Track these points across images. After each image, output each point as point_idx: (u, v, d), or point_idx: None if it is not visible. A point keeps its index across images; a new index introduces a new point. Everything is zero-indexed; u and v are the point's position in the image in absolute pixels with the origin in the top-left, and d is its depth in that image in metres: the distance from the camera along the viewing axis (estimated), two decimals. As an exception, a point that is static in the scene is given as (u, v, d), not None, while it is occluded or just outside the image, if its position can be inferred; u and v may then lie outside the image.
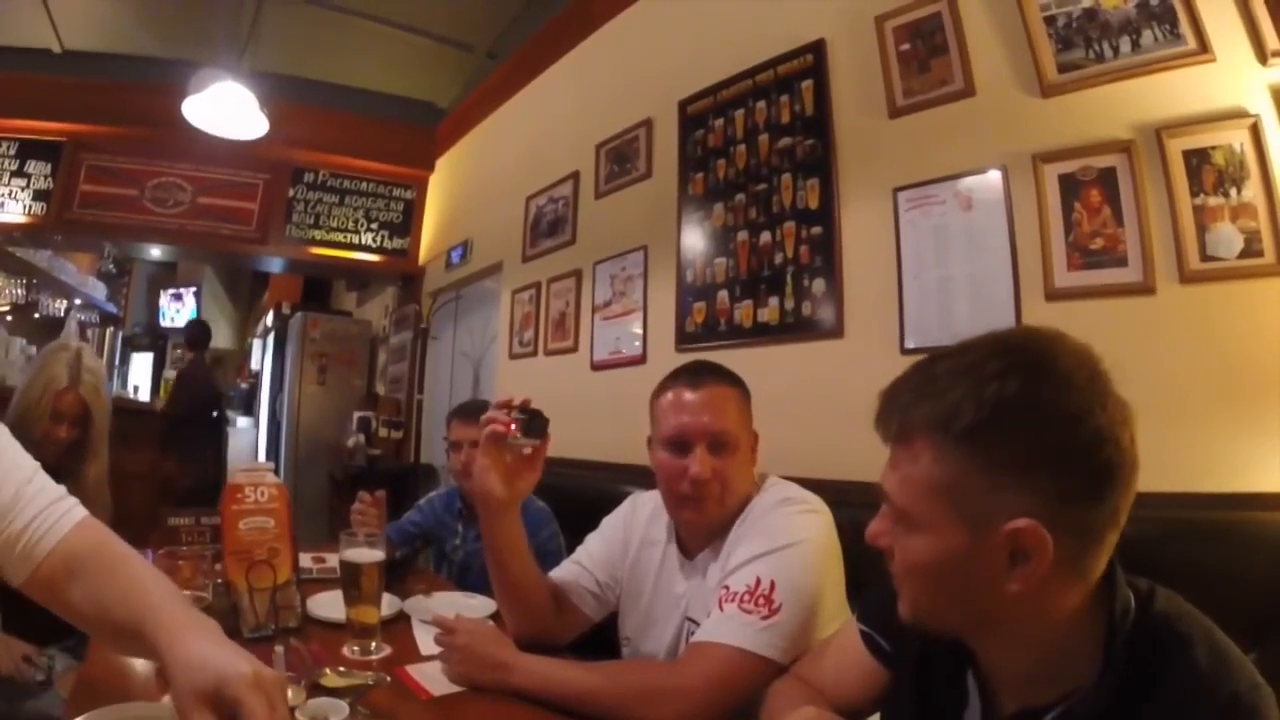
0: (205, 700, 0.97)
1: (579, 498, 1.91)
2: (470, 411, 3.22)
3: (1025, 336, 1.01)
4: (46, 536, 1.27)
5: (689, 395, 1.84)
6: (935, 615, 1.04)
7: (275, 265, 7.97)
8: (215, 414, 6.92)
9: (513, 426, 1.81)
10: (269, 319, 10.25)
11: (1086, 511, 0.91)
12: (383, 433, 7.04)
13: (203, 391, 6.95)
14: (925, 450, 0.97)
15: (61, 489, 1.35)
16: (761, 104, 3.46)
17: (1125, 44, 2.32)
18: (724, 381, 1.87)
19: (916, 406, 0.98)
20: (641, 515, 2.07)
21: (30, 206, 6.30)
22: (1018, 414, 0.91)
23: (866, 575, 1.82)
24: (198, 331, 7.25)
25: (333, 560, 2.33)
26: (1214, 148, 2.15)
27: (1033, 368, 0.93)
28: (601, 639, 2.09)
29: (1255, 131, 2.09)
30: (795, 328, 3.15)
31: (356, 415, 7.22)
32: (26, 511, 1.27)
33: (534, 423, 1.83)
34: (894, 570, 1.05)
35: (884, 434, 1.05)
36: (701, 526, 1.87)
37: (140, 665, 1.60)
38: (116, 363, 12.12)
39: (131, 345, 11.94)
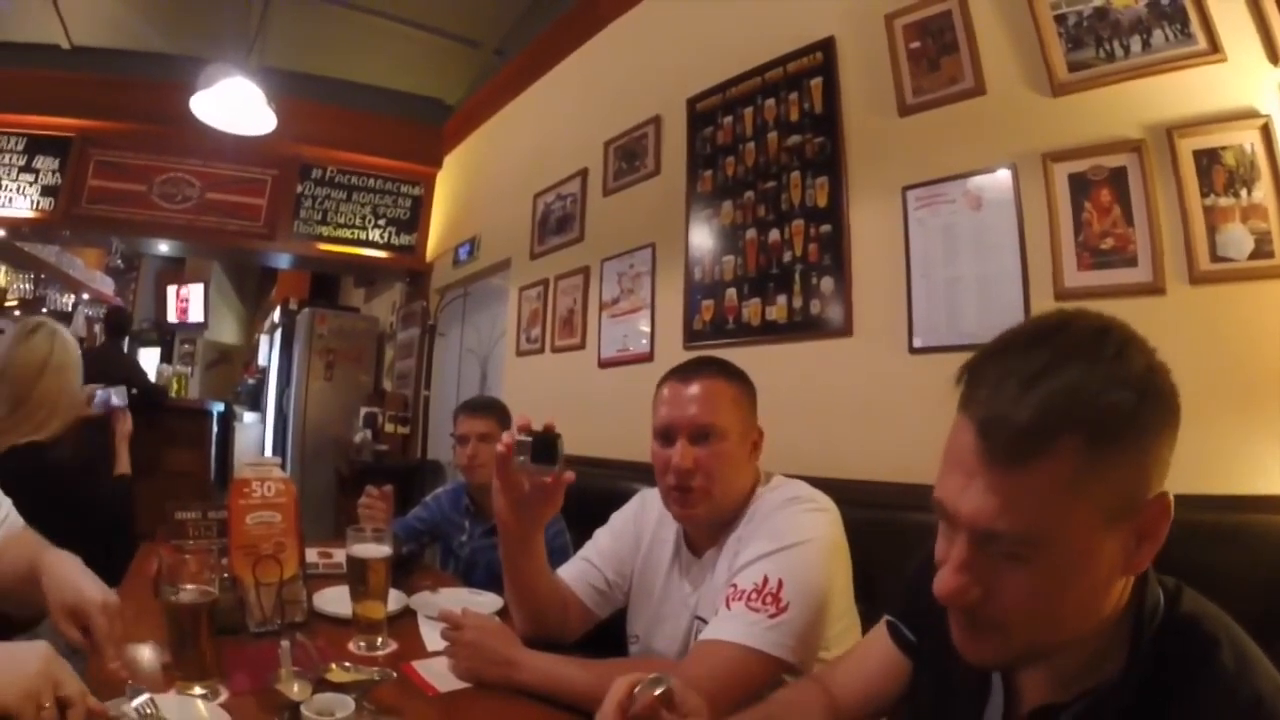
0: (68, 612, 1.43)
1: (585, 495, 1.90)
2: (477, 406, 3.23)
3: (1086, 313, 0.93)
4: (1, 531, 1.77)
5: (679, 388, 1.86)
6: (1047, 645, 0.95)
7: (283, 261, 7.99)
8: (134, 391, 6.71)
9: (516, 449, 1.71)
10: (276, 315, 10.29)
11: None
12: (389, 428, 7.03)
13: (114, 371, 6.76)
14: (1071, 456, 0.84)
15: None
16: (770, 102, 3.45)
17: (1136, 43, 2.31)
18: (718, 375, 1.88)
19: (1052, 410, 0.84)
20: (651, 513, 2.07)
21: (38, 202, 6.34)
22: (1154, 388, 0.87)
23: (875, 574, 1.83)
24: (120, 318, 7.20)
25: (339, 555, 2.33)
26: (1225, 148, 2.14)
27: (1135, 338, 0.90)
28: (608, 636, 2.08)
29: (1266, 132, 2.08)
30: (803, 326, 3.15)
31: (363, 411, 7.20)
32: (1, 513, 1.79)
33: (540, 447, 1.69)
34: (987, 617, 0.92)
35: (1005, 454, 0.86)
36: (694, 523, 1.89)
37: (147, 660, 1.61)
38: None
39: (139, 340, 11.94)
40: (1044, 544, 0.86)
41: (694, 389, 1.84)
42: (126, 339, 7.21)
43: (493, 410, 3.21)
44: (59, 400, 2.95)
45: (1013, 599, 0.89)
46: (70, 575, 1.52)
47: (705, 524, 1.87)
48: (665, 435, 1.85)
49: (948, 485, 0.93)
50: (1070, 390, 0.84)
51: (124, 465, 3.40)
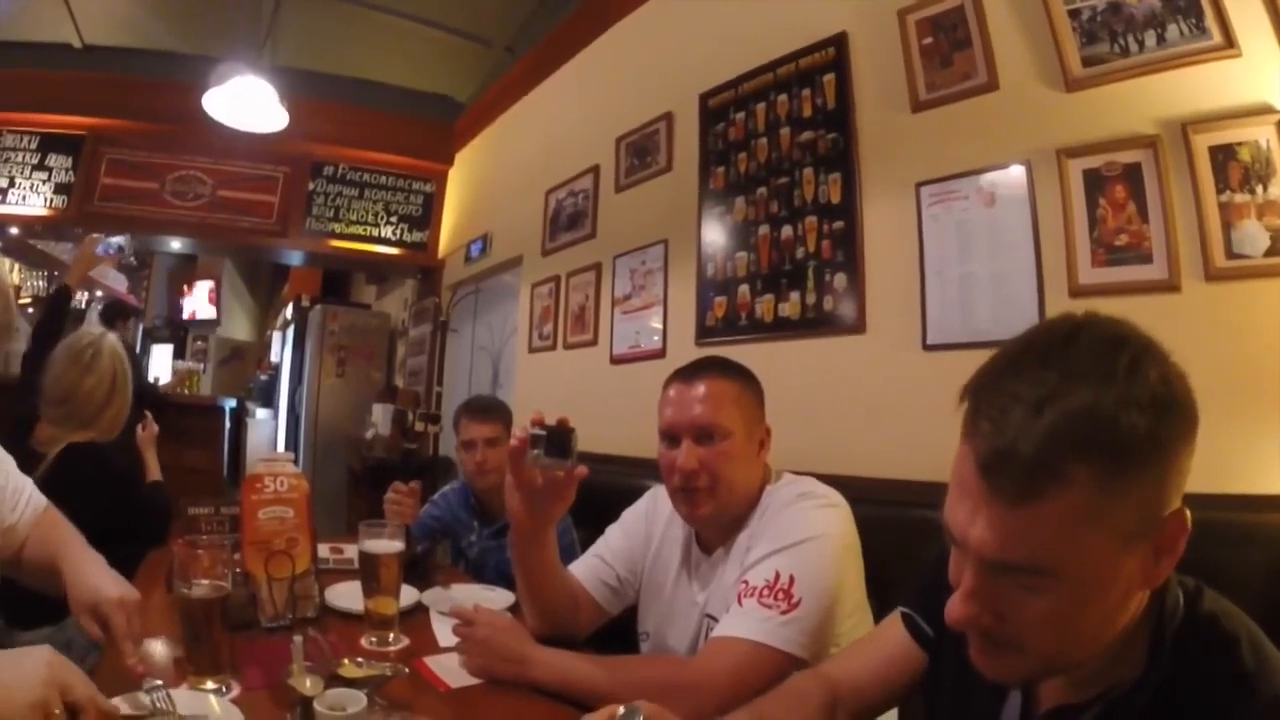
0: (88, 610, 1.48)
1: (598, 492, 1.90)
2: (480, 409, 3.19)
3: (1097, 321, 0.89)
4: (26, 514, 1.83)
5: (682, 390, 1.87)
6: (1066, 661, 0.93)
7: (295, 258, 8.01)
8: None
9: (530, 443, 1.70)
10: (288, 312, 10.32)
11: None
12: (419, 426, 6.99)
13: None
14: (1083, 487, 0.80)
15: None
16: (783, 97, 3.44)
17: (1150, 38, 2.30)
18: (721, 375, 1.88)
19: (1060, 441, 0.80)
20: (663, 510, 2.06)
21: (51, 200, 6.37)
22: (1170, 403, 0.83)
23: (887, 571, 1.82)
24: (113, 310, 7.21)
25: (351, 551, 2.33)
26: (1240, 144, 2.12)
27: (1150, 348, 0.85)
28: (619, 633, 2.08)
29: (1283, 127, 2.07)
30: (816, 323, 3.14)
31: (392, 409, 7.16)
32: (21, 499, 1.84)
33: (554, 441, 1.70)
34: (1002, 637, 0.91)
35: (1013, 490, 0.83)
36: (702, 522, 1.89)
37: (159, 654, 1.61)
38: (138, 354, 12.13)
39: (152, 337, 11.98)
40: (1057, 574, 0.84)
41: (697, 390, 1.84)
42: (130, 332, 7.20)
43: (497, 412, 3.18)
44: (125, 412, 3.04)
45: (1027, 623, 0.88)
46: (89, 574, 1.58)
47: (713, 523, 1.87)
48: (670, 437, 1.86)
49: (955, 512, 0.91)
50: (1081, 416, 0.80)
51: (155, 472, 3.43)
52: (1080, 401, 0.80)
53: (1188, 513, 0.85)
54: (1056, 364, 0.84)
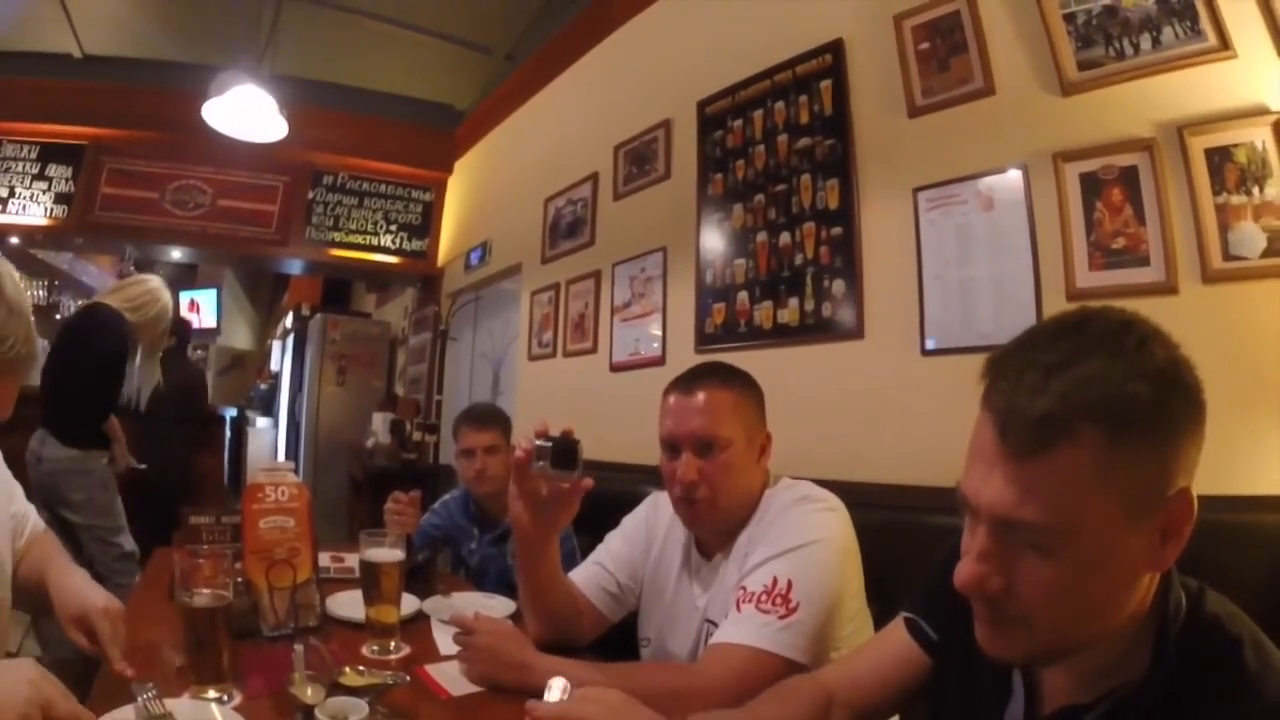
0: (75, 620, 1.56)
1: (598, 498, 1.89)
2: (480, 417, 3.19)
3: (1109, 309, 0.93)
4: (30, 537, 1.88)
5: (681, 399, 1.86)
6: (1071, 641, 0.94)
7: (295, 267, 8.02)
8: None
9: (535, 454, 1.71)
10: (289, 320, 10.31)
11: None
12: (416, 436, 7.00)
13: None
14: (1091, 446, 0.83)
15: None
16: (780, 104, 3.45)
17: (1146, 41, 2.30)
18: (720, 384, 1.87)
19: (1071, 400, 0.84)
20: (663, 516, 2.06)
21: (52, 209, 6.39)
22: (1176, 381, 0.86)
23: (887, 576, 1.82)
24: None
25: (351, 560, 2.33)
26: (1236, 145, 2.13)
27: (1158, 333, 0.89)
28: (621, 640, 2.08)
29: (1277, 129, 2.06)
30: (815, 329, 3.14)
31: (390, 418, 7.18)
32: (27, 525, 1.88)
33: (560, 452, 1.70)
34: (1010, 610, 0.92)
35: (1026, 444, 0.86)
36: (700, 529, 1.90)
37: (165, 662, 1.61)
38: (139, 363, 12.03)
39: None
40: (1064, 535, 0.86)
41: (697, 400, 1.83)
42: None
43: (496, 420, 3.18)
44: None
45: (1035, 591, 0.89)
46: (74, 585, 1.67)
47: (715, 531, 1.88)
48: (671, 447, 1.85)
49: (970, 478, 0.93)
50: (1090, 381, 0.84)
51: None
52: (1090, 370, 0.84)
53: (1193, 495, 0.87)
54: (1069, 339, 0.88)
